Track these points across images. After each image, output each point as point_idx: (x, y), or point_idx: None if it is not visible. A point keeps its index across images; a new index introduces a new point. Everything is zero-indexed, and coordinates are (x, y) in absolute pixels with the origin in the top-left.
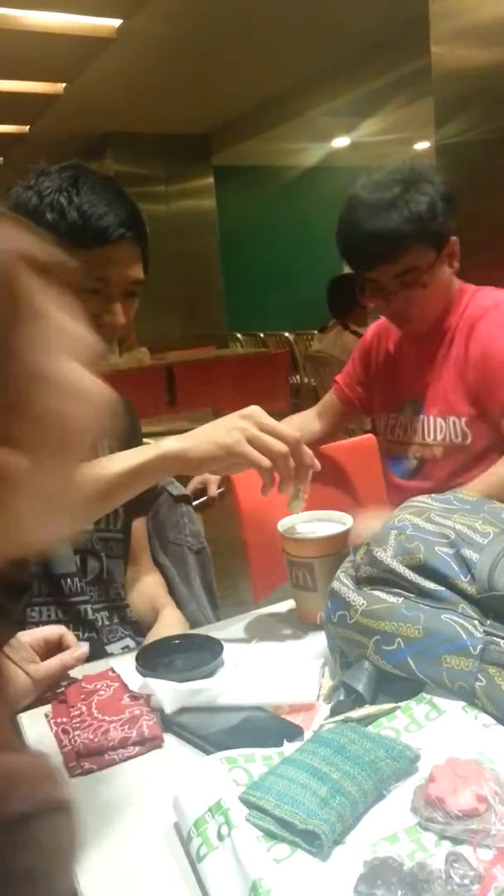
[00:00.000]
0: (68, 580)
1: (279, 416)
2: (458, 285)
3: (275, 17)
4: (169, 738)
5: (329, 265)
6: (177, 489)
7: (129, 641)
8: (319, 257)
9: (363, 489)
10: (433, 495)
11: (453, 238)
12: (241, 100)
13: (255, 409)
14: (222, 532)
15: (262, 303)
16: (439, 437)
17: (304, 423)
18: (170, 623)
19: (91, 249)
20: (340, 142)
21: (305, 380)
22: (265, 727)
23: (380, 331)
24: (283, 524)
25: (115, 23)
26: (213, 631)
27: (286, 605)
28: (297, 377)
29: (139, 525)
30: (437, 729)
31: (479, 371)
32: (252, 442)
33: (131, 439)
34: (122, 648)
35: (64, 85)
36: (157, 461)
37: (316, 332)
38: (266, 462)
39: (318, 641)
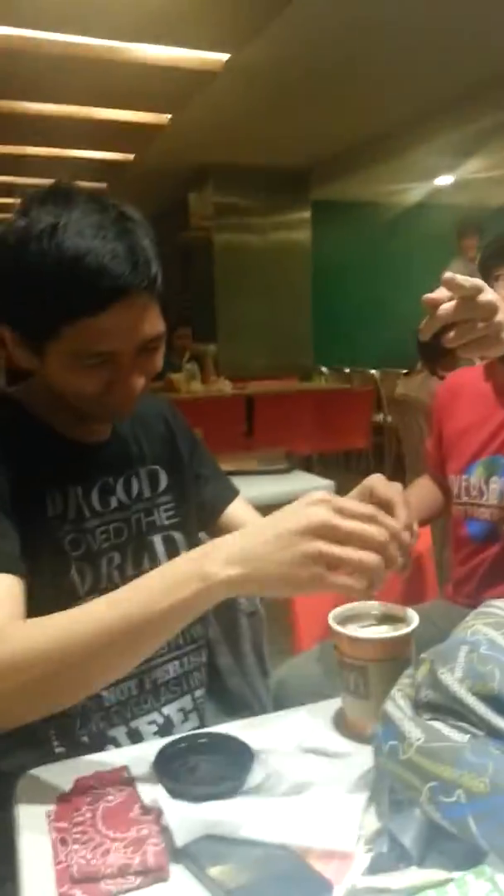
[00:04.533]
0: None
1: (358, 457)
2: None
3: (380, 54)
4: (176, 871)
5: (421, 306)
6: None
7: (156, 717)
8: (412, 297)
9: None
10: None
11: None
12: (344, 136)
13: (323, 494)
14: None
15: (349, 338)
16: None
17: (427, 492)
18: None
19: (82, 319)
20: (443, 180)
21: (389, 419)
22: (289, 876)
23: (453, 388)
24: (335, 615)
25: (223, 57)
26: (247, 730)
27: (333, 705)
28: (381, 416)
29: (236, 514)
30: None
31: None
32: (336, 538)
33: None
34: (149, 724)
35: (169, 116)
36: (204, 595)
37: (403, 372)
38: (370, 562)
39: (365, 761)
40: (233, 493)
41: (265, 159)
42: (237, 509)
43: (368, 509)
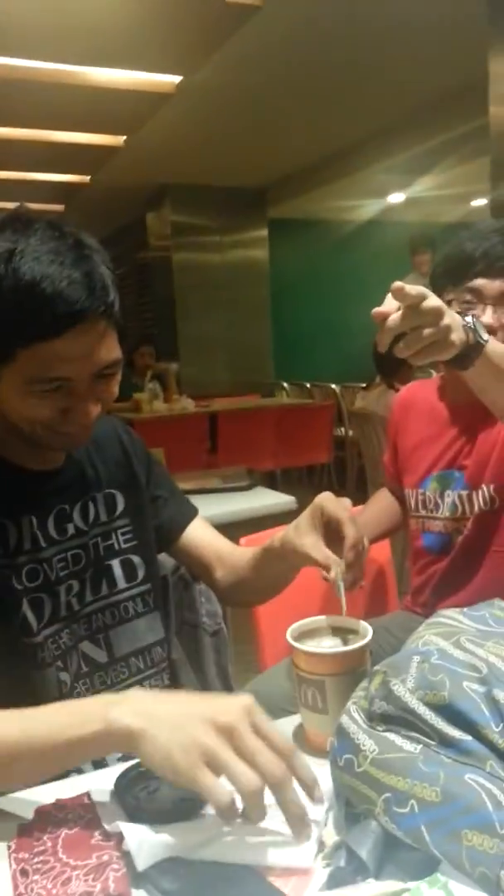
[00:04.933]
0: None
1: (321, 472)
2: None
3: (334, 76)
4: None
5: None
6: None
7: None
8: (368, 311)
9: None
10: (465, 610)
11: None
12: (299, 156)
13: (251, 701)
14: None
15: (309, 353)
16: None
17: (387, 505)
18: None
19: (37, 343)
20: (395, 198)
21: (350, 433)
22: (249, 894)
23: (406, 402)
24: (293, 631)
25: (176, 79)
26: None
27: (292, 721)
28: (342, 430)
29: (195, 534)
30: None
31: None
32: (221, 763)
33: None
34: None
35: (124, 137)
36: (103, 738)
37: (362, 386)
38: (250, 789)
39: (324, 775)
40: (191, 514)
41: (221, 179)
42: (196, 529)
43: (282, 743)
